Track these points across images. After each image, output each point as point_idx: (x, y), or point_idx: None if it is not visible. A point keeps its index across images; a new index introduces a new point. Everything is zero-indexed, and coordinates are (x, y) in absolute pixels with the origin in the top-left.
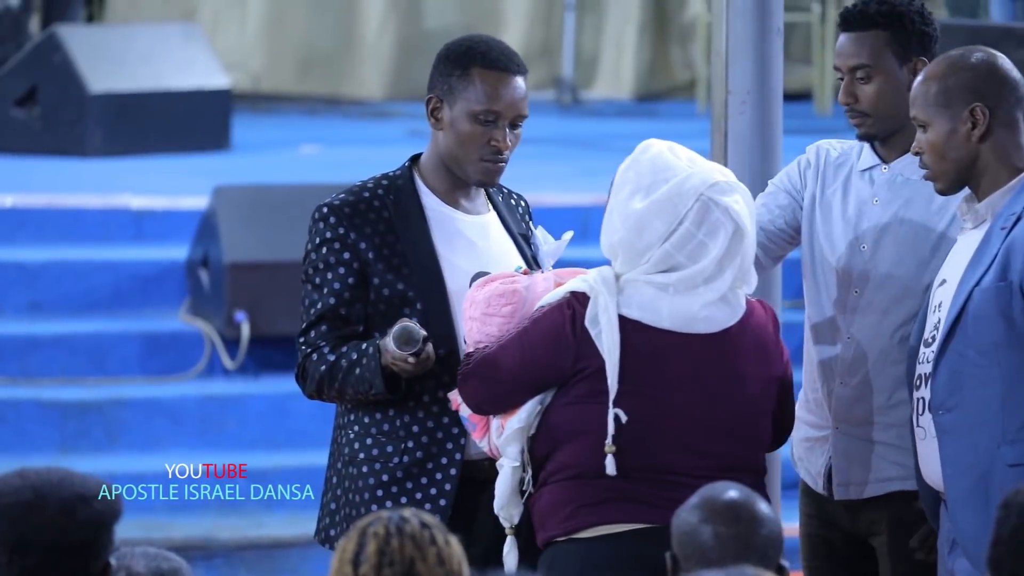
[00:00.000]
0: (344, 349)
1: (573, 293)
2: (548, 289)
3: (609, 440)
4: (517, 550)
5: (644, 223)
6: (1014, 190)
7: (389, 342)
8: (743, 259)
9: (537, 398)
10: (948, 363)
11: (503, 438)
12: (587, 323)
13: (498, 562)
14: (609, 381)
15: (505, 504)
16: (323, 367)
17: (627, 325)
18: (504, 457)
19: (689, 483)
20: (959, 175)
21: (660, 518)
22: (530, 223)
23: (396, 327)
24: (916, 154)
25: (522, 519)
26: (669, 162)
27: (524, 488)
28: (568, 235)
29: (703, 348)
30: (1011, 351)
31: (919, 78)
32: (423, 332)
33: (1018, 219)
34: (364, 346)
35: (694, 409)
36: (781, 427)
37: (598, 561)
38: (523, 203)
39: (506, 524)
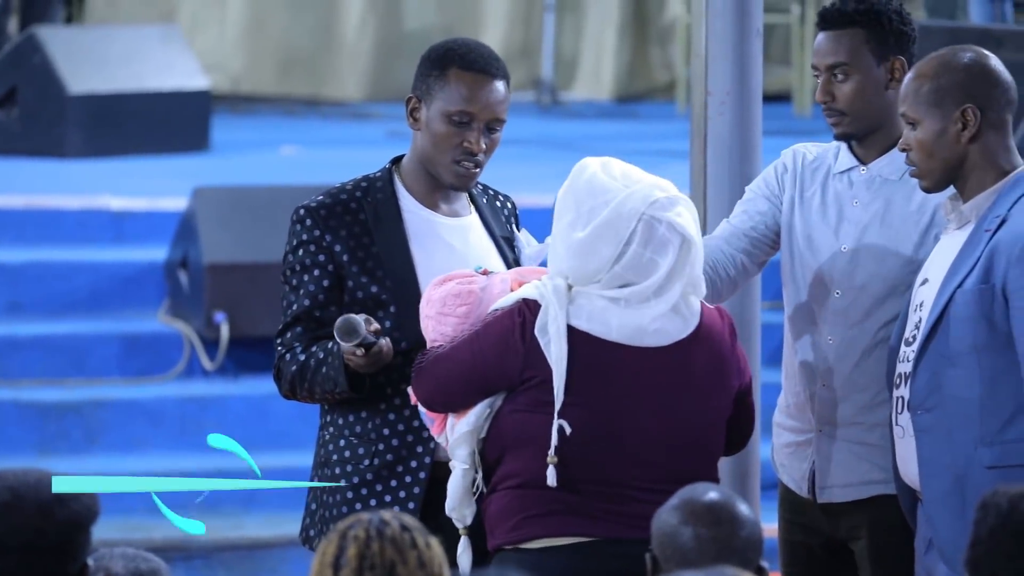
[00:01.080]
0: (314, 348)
1: (525, 300)
2: (505, 291)
3: (551, 451)
4: (471, 550)
5: (589, 250)
6: (999, 192)
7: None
8: (692, 268)
9: (486, 401)
10: (928, 364)
11: (453, 440)
12: (536, 332)
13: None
14: (555, 392)
15: (457, 505)
16: (294, 367)
17: (576, 336)
18: (454, 459)
19: (637, 496)
20: (946, 174)
21: (607, 531)
22: (515, 226)
23: (337, 320)
24: (903, 151)
25: (479, 519)
26: (604, 184)
27: (476, 489)
28: (551, 239)
29: (653, 361)
30: (991, 353)
31: (910, 75)
32: (373, 324)
33: (1002, 222)
34: (330, 344)
35: (642, 422)
36: (738, 435)
37: (544, 573)
38: (509, 205)
39: (459, 524)
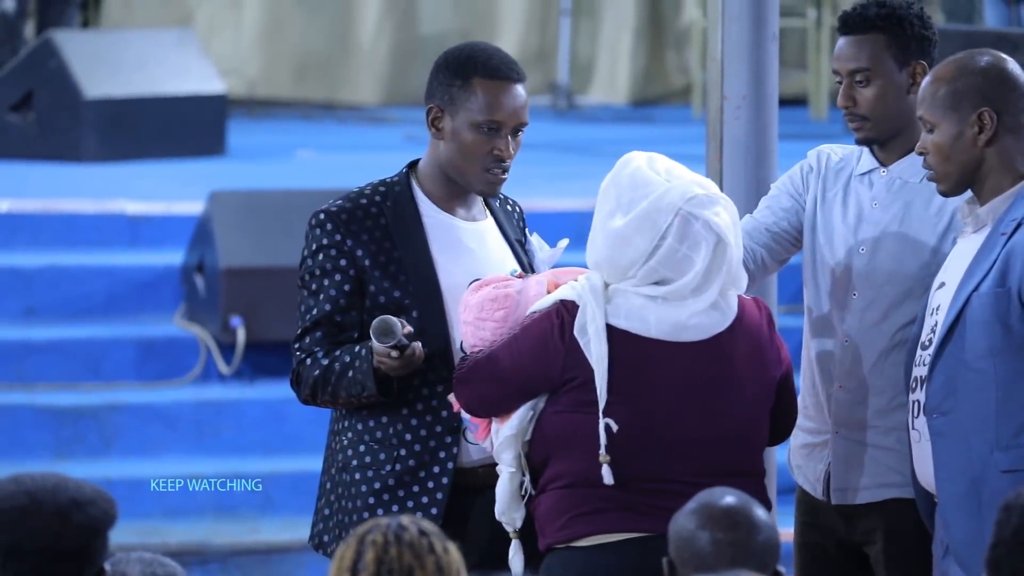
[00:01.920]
0: (337, 353)
1: (563, 301)
2: (541, 294)
3: (603, 450)
4: (522, 553)
5: (625, 240)
6: (1016, 195)
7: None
8: (729, 267)
9: (529, 404)
10: (944, 367)
11: (497, 445)
12: (576, 332)
13: (494, 569)
14: (598, 392)
15: (506, 509)
16: (316, 371)
17: (615, 335)
18: (500, 463)
19: (685, 491)
20: (963, 178)
21: (657, 527)
22: (525, 229)
23: (375, 320)
24: (920, 154)
25: (528, 521)
26: (648, 177)
27: (524, 491)
28: (563, 243)
29: (693, 355)
30: (1007, 357)
31: (928, 78)
32: (407, 327)
33: (1019, 225)
34: (357, 348)
35: (686, 417)
36: (782, 424)
37: (596, 570)
38: (518, 209)
39: (509, 528)
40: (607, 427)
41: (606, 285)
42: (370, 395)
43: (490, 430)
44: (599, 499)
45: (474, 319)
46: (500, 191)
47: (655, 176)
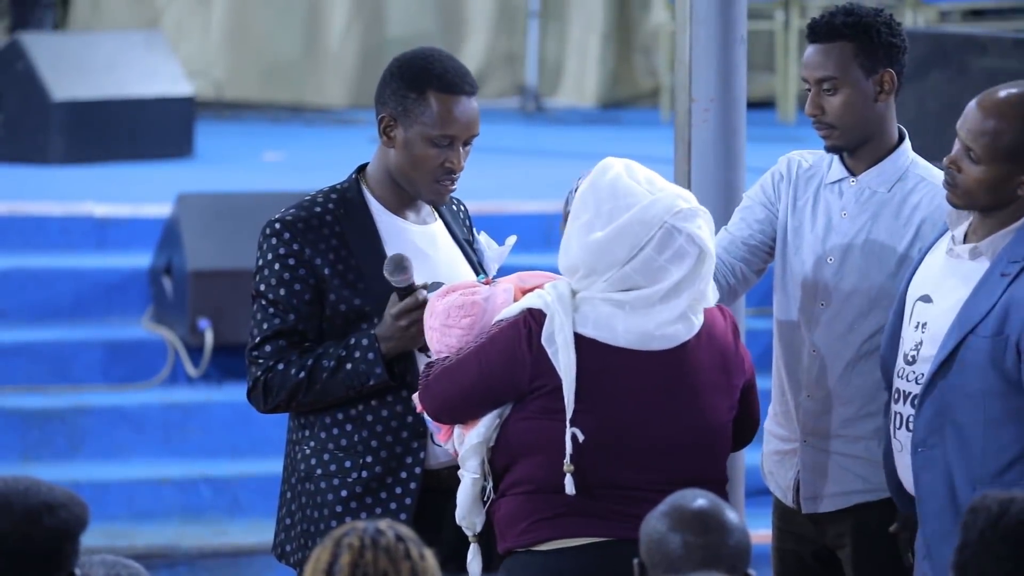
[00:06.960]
0: (320, 351)
1: (530, 310)
2: (508, 301)
3: (567, 460)
4: (481, 557)
5: (605, 250)
6: (1017, 231)
7: (389, 308)
8: (702, 281)
9: (495, 412)
10: (934, 402)
11: (463, 451)
12: (543, 341)
13: (459, 569)
14: (566, 400)
15: (467, 514)
16: (301, 374)
17: (583, 343)
18: (464, 469)
19: (648, 498)
20: (982, 207)
21: (617, 533)
22: (472, 228)
23: (388, 259)
24: (949, 167)
25: (487, 524)
26: (629, 187)
27: (486, 496)
28: (511, 240)
29: (660, 364)
30: (998, 399)
31: (987, 111)
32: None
33: (1022, 269)
34: (352, 341)
35: (651, 425)
36: (744, 431)
37: (555, 574)
38: (463, 207)
39: (469, 532)
40: (573, 436)
41: (573, 293)
42: (377, 382)
43: (452, 432)
44: (561, 504)
45: (440, 325)
46: (447, 200)
47: (636, 186)
